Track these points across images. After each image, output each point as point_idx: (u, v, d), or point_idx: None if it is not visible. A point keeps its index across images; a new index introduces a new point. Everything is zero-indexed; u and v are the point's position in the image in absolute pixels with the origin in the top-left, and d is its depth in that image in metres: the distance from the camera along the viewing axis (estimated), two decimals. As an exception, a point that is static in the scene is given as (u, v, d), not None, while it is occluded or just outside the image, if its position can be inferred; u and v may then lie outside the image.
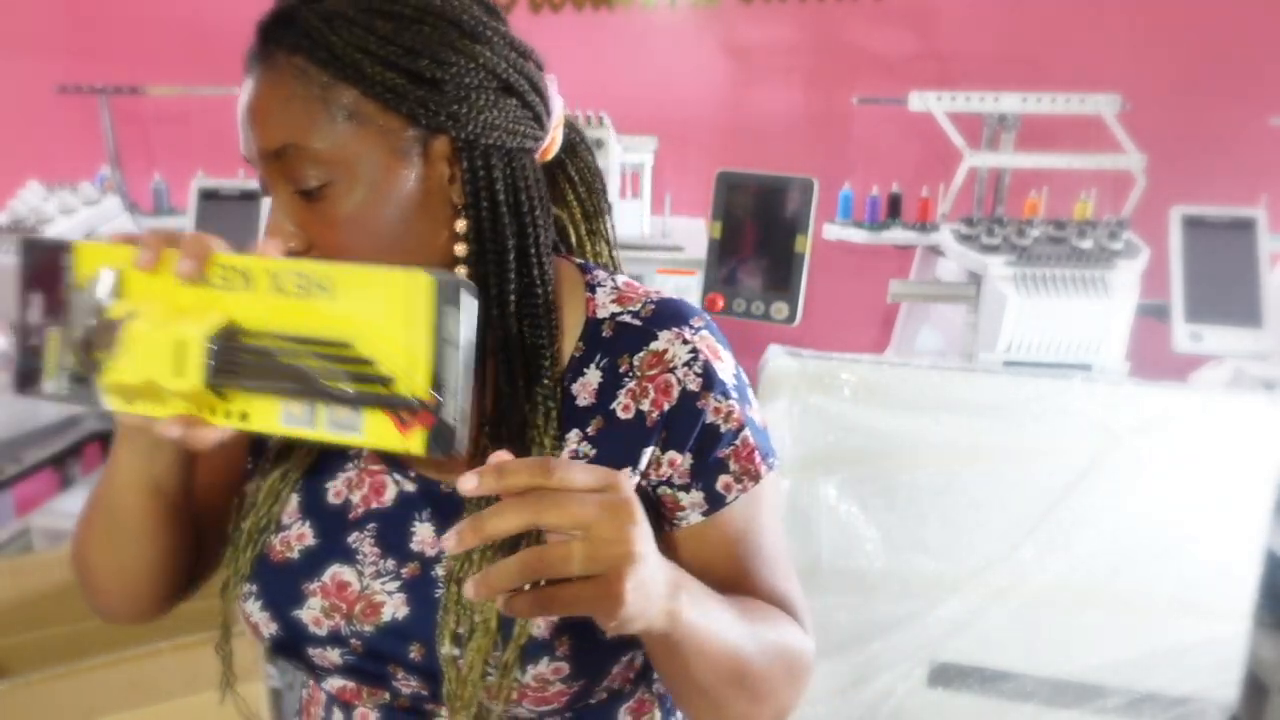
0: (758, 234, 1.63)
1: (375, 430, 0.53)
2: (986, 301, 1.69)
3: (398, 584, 0.69)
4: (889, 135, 2.38)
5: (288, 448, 0.74)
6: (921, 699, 1.54)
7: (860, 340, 2.55)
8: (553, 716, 0.71)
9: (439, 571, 0.69)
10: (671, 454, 0.68)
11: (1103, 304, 1.58)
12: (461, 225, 0.66)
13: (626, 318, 0.71)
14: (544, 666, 0.66)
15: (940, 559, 1.49)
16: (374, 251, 0.63)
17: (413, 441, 0.52)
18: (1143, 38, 2.28)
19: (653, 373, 0.69)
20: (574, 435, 0.69)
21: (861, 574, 1.51)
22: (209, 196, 1.98)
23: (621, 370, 0.69)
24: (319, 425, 0.54)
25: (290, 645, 0.72)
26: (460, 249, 0.66)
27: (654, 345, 0.69)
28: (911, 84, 1.94)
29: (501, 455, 0.52)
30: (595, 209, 0.79)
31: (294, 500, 0.74)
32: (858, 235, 2.04)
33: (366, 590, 0.70)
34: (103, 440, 2.22)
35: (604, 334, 0.71)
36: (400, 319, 0.52)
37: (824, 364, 1.47)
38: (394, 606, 0.69)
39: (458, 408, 0.52)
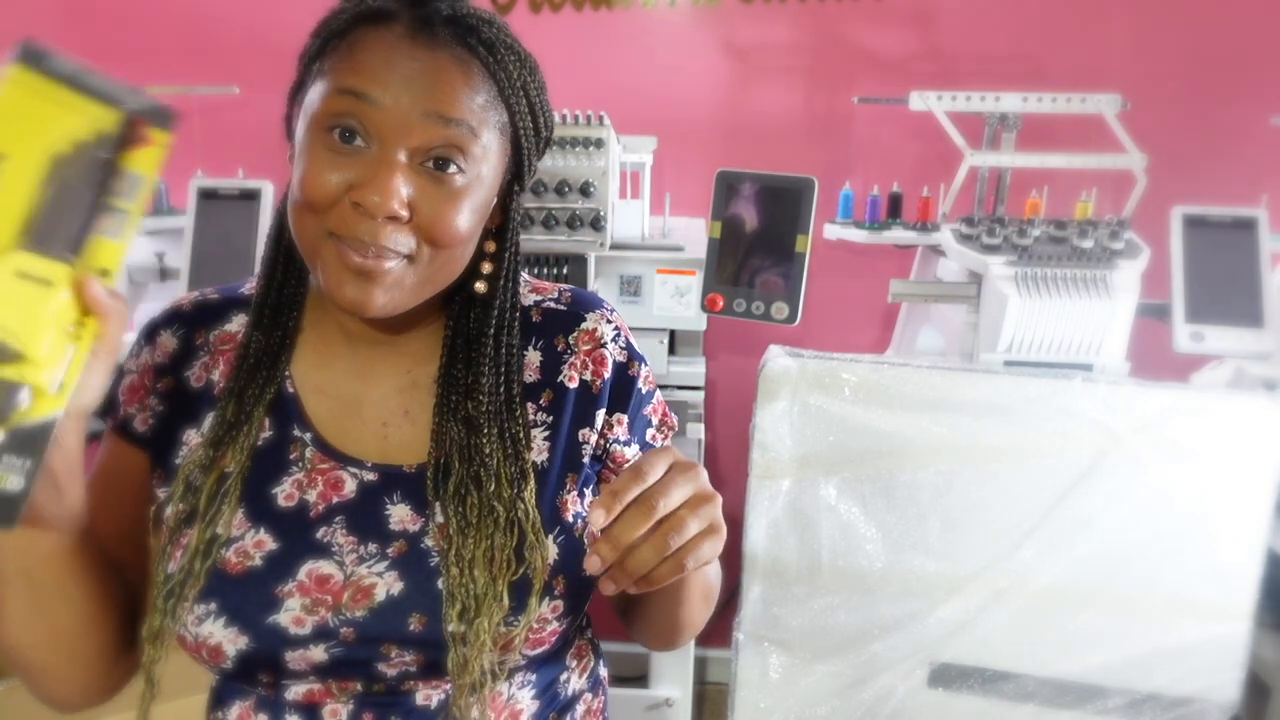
0: (758, 234, 1.63)
1: None
2: (987, 301, 1.69)
3: (385, 564, 0.71)
4: (889, 135, 2.38)
5: (220, 441, 0.74)
6: (922, 699, 1.53)
7: (860, 340, 2.54)
8: (524, 671, 0.78)
9: (429, 543, 0.73)
10: (617, 414, 0.82)
11: (1103, 304, 1.58)
12: (492, 246, 0.77)
13: (550, 304, 0.83)
14: (545, 607, 0.73)
15: (940, 559, 1.49)
16: (462, 241, 0.71)
17: None
18: (1143, 38, 2.28)
19: (588, 348, 0.81)
20: (530, 407, 0.79)
21: (861, 574, 1.51)
22: (208, 196, 1.98)
23: (559, 349, 0.81)
24: None
25: (260, 657, 0.70)
26: (487, 266, 0.77)
27: (585, 325, 0.82)
28: (912, 84, 1.93)
29: (614, 490, 0.61)
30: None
31: (239, 514, 0.73)
32: (858, 235, 2.04)
33: (353, 578, 0.71)
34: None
35: (534, 319, 0.82)
36: None
37: (824, 364, 1.47)
38: (387, 585, 0.71)
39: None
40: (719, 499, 0.64)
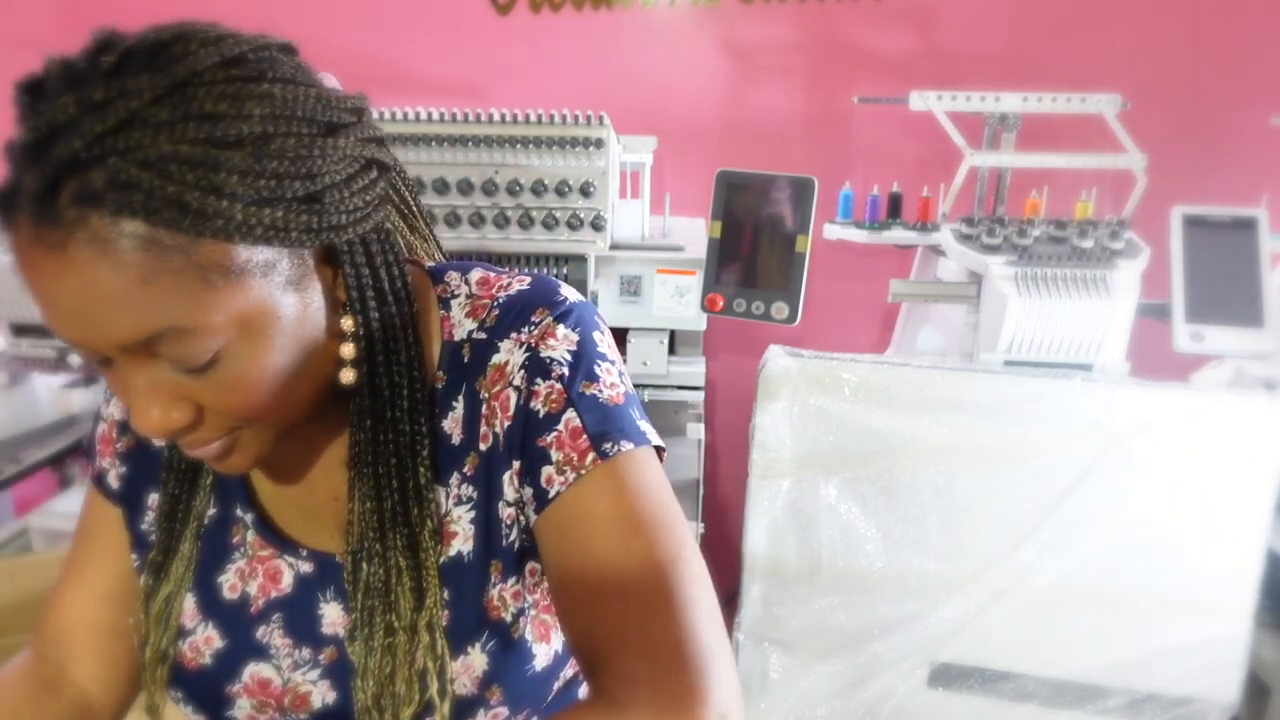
0: (758, 234, 1.63)
1: None
2: (987, 301, 1.69)
3: (318, 671, 0.67)
4: (889, 135, 2.38)
5: (158, 568, 0.70)
6: (922, 699, 1.53)
7: (860, 340, 2.54)
8: None
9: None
10: (516, 462, 0.63)
11: (1103, 304, 1.57)
12: (349, 323, 0.60)
13: (480, 334, 0.65)
14: (482, 717, 0.65)
15: (940, 559, 1.49)
16: (277, 392, 0.56)
17: None
18: (1143, 38, 2.28)
19: (496, 389, 0.63)
20: (455, 479, 0.65)
21: (861, 574, 1.51)
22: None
23: (480, 395, 0.64)
24: None
25: None
26: (348, 350, 0.60)
27: (495, 359, 0.64)
28: (912, 84, 1.93)
29: None
30: (410, 206, 0.71)
31: (190, 600, 0.70)
32: (858, 235, 2.04)
33: (290, 684, 0.68)
34: (102, 440, 2.22)
35: (464, 358, 0.65)
36: None
37: (824, 364, 1.47)
38: (321, 694, 0.67)
39: None
40: None
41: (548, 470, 0.61)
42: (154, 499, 0.72)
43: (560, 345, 0.63)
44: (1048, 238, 1.68)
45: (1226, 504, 1.42)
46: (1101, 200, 1.98)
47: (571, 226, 1.80)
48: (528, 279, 0.68)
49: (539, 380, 0.62)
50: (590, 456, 0.60)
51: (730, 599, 1.53)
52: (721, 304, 1.65)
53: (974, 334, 1.74)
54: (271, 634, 0.68)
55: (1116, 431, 1.42)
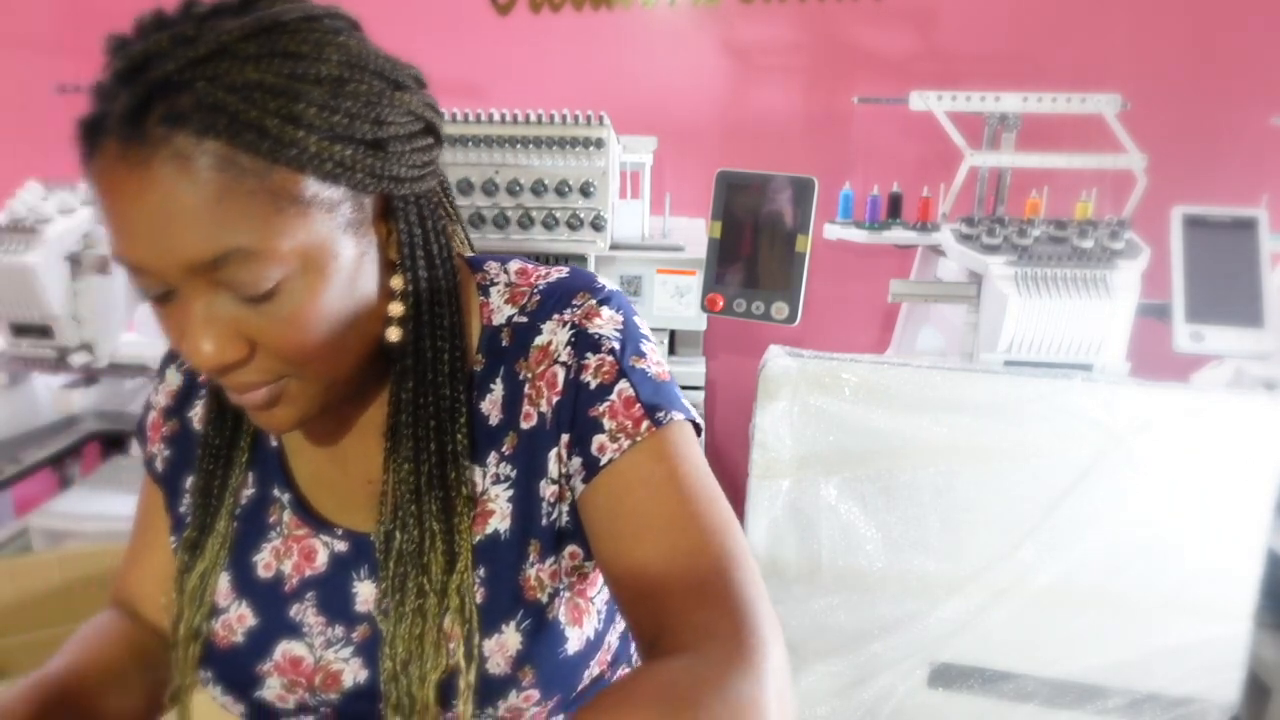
0: (757, 234, 1.63)
1: None
2: (987, 301, 1.69)
3: (350, 649, 0.67)
4: (889, 135, 2.38)
5: (194, 545, 0.71)
6: (921, 699, 1.53)
7: (860, 340, 2.55)
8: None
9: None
10: (564, 436, 0.64)
11: (1104, 304, 1.57)
12: (398, 282, 0.62)
13: (520, 318, 0.67)
14: (514, 699, 0.65)
15: (940, 559, 1.49)
16: (329, 337, 0.58)
17: None
18: (1143, 38, 2.28)
19: (541, 369, 0.65)
20: (492, 458, 0.66)
21: (861, 574, 1.51)
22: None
23: (521, 377, 0.66)
24: None
25: (264, 717, 0.71)
26: (396, 308, 0.62)
27: (538, 340, 0.66)
28: (912, 84, 1.93)
29: None
30: (448, 192, 0.72)
31: (225, 579, 0.71)
32: (858, 235, 2.04)
33: (321, 662, 0.68)
34: (102, 440, 2.22)
35: (503, 342, 0.67)
36: None
37: (824, 364, 1.47)
38: (353, 672, 0.67)
39: None
40: None
41: (600, 439, 0.62)
42: (191, 482, 0.73)
43: (607, 324, 0.65)
44: (1048, 238, 1.68)
45: (1226, 504, 1.42)
46: (1101, 200, 1.98)
47: (571, 226, 1.80)
48: (565, 269, 0.70)
49: (589, 354, 0.64)
50: (645, 424, 0.61)
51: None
52: (721, 304, 1.65)
53: (974, 334, 1.74)
54: (305, 612, 0.69)
55: (1116, 431, 1.42)
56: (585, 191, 1.78)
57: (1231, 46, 2.25)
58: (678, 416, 0.63)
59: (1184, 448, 1.41)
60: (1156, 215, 1.78)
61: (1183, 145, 2.22)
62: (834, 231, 2.09)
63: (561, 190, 1.77)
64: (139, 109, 0.50)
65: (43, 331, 1.91)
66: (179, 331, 0.56)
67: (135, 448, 1.84)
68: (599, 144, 1.77)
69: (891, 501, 1.49)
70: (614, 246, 1.87)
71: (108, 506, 1.88)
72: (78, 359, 1.93)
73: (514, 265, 0.71)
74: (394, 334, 0.63)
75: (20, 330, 1.91)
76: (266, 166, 0.52)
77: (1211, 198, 1.82)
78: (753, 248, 1.63)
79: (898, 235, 2.03)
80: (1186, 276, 1.75)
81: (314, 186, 0.54)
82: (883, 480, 1.48)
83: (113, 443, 2.20)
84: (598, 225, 1.80)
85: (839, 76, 2.40)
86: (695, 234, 2.04)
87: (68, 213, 1.90)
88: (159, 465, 0.76)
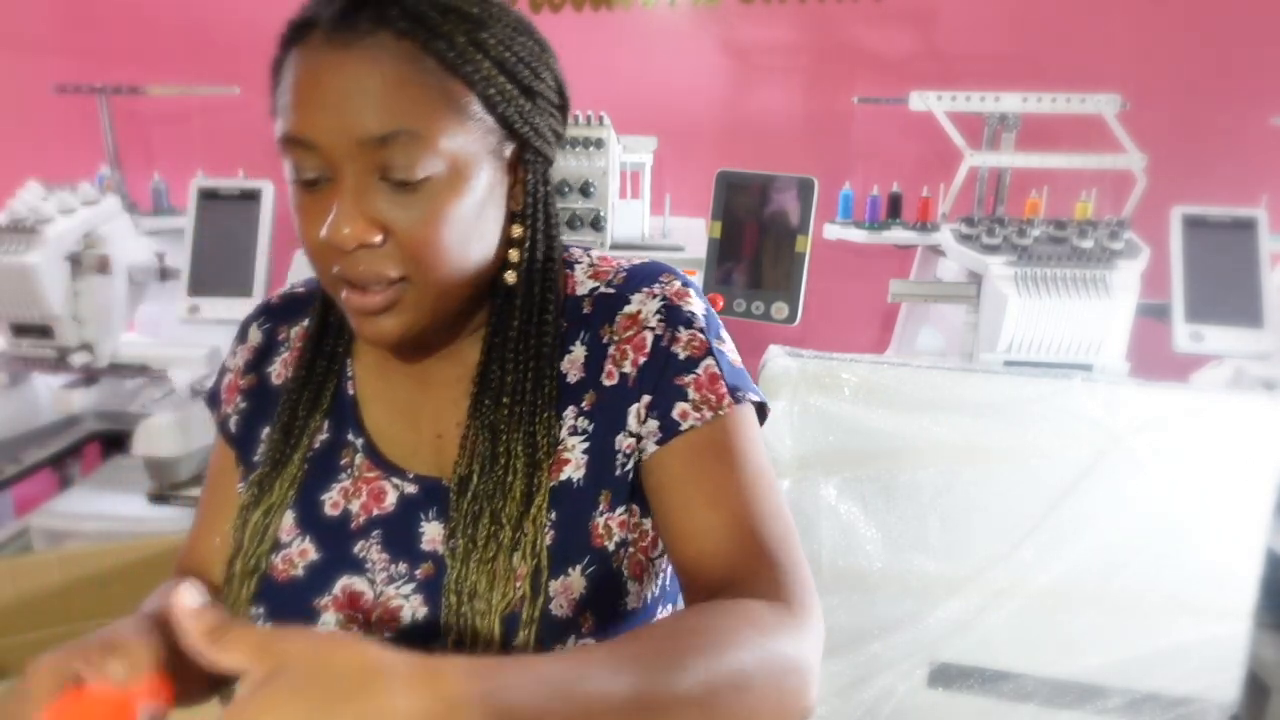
0: (758, 234, 1.63)
1: None
2: (987, 301, 1.69)
3: (412, 586, 0.69)
4: (889, 135, 2.38)
5: (265, 481, 0.73)
6: (921, 699, 1.53)
7: (860, 340, 2.55)
8: None
9: None
10: (646, 397, 0.68)
11: (1103, 304, 1.58)
12: (518, 230, 0.70)
13: (603, 289, 0.73)
14: (572, 643, 0.66)
15: (940, 559, 1.49)
16: (453, 246, 0.64)
17: None
18: (1143, 38, 2.28)
19: (629, 334, 0.70)
20: (570, 412, 0.70)
21: (861, 574, 1.51)
22: (208, 196, 1.98)
23: (604, 341, 0.71)
24: None
25: None
26: (514, 254, 0.70)
27: (627, 309, 0.71)
28: (911, 84, 1.94)
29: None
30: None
31: (289, 516, 0.73)
32: (858, 235, 2.04)
33: (381, 597, 0.69)
34: (102, 440, 2.22)
35: (584, 310, 0.73)
36: None
37: (824, 364, 1.47)
38: (412, 608, 0.68)
39: None
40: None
41: (683, 405, 0.67)
42: (267, 431, 0.76)
43: (694, 305, 0.71)
44: (1047, 238, 1.68)
45: (1226, 504, 1.42)
46: (1101, 200, 1.98)
47: (571, 226, 1.80)
48: (644, 258, 0.77)
49: (680, 328, 0.69)
50: (727, 400, 0.67)
51: (730, 599, 1.54)
52: (722, 304, 1.66)
53: (973, 334, 1.74)
54: (369, 549, 0.70)
55: (1116, 431, 1.42)
56: (585, 191, 1.78)
57: (1231, 47, 2.25)
58: (754, 398, 0.70)
59: (1184, 448, 1.41)
60: (1156, 215, 1.79)
61: (1182, 145, 2.22)
62: (834, 231, 2.09)
63: (562, 190, 1.78)
64: (351, 10, 0.60)
65: (43, 331, 1.91)
66: (321, 217, 0.62)
67: (135, 447, 1.84)
68: (599, 144, 1.77)
69: (891, 501, 1.49)
70: (614, 246, 1.87)
71: (108, 506, 1.88)
72: (78, 359, 1.93)
73: (595, 252, 0.78)
74: (510, 276, 0.70)
75: (21, 330, 1.91)
76: (445, 74, 0.61)
77: (1211, 198, 1.82)
78: (753, 248, 1.63)
79: (897, 235, 2.03)
80: (1186, 276, 1.75)
81: (476, 105, 0.63)
82: (882, 480, 1.49)
83: (113, 443, 2.20)
84: (598, 225, 1.80)
85: (839, 77, 2.40)
86: (695, 234, 2.04)
87: (68, 213, 1.90)
88: (232, 426, 0.79)
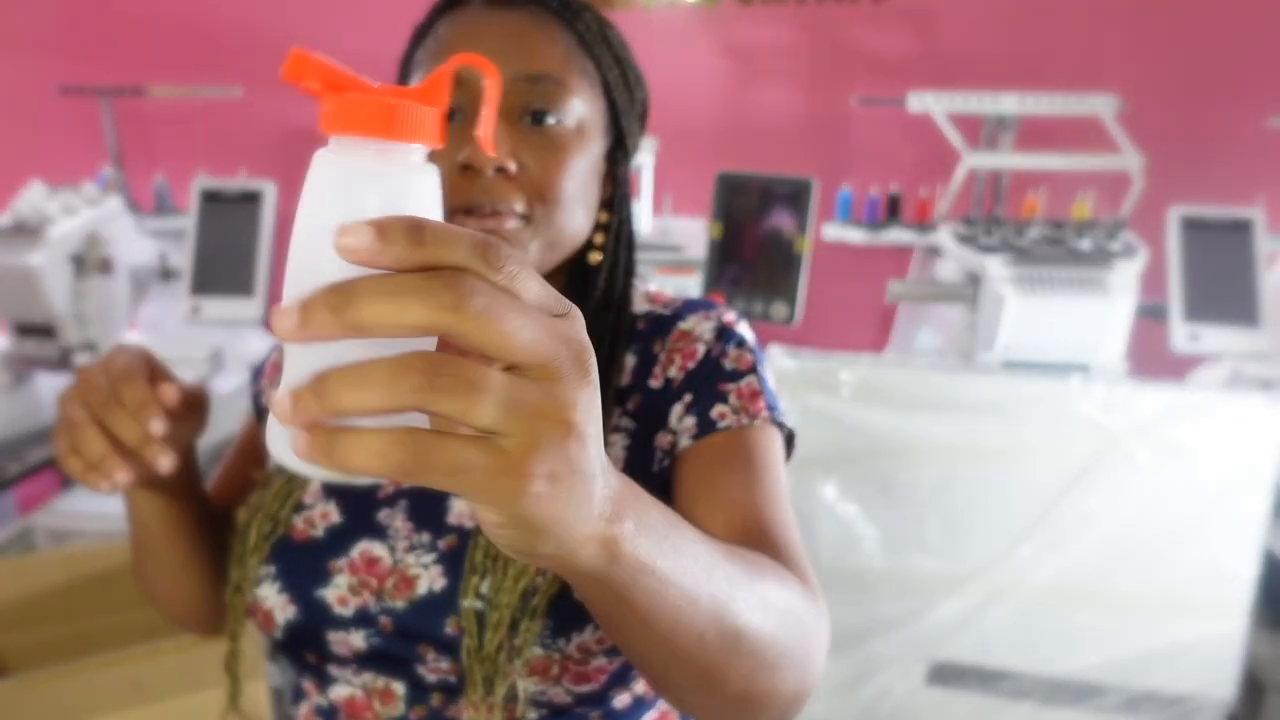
0: (757, 235, 1.64)
1: None
2: (985, 302, 1.70)
3: (433, 556, 0.69)
4: (888, 135, 2.39)
5: None
6: (921, 698, 1.54)
7: (860, 340, 2.55)
8: (582, 707, 0.69)
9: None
10: (687, 396, 0.72)
11: (1101, 304, 1.58)
12: (604, 216, 0.77)
13: (658, 310, 0.78)
14: (588, 635, 0.66)
15: (940, 559, 1.50)
16: (572, 190, 0.70)
17: None
18: (1142, 38, 2.28)
19: (681, 345, 0.75)
20: (616, 412, 0.74)
21: (861, 573, 1.52)
22: (211, 197, 1.98)
23: (654, 352, 0.75)
24: None
25: (306, 632, 0.71)
26: (599, 237, 0.77)
27: (681, 326, 0.76)
28: (911, 84, 1.94)
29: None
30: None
31: (315, 482, 0.74)
32: (857, 235, 2.05)
33: (399, 564, 0.70)
34: (104, 440, 2.23)
35: (639, 326, 0.77)
36: None
37: (824, 364, 1.48)
38: (430, 579, 0.68)
39: None
40: (574, 443, 0.34)
41: (721, 407, 0.71)
42: None
43: (746, 332, 0.76)
44: (1045, 238, 1.69)
45: (1223, 503, 1.42)
46: (1099, 201, 1.99)
47: (572, 227, 1.81)
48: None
49: (731, 345, 0.74)
50: (764, 413, 0.71)
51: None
52: (721, 304, 1.66)
53: (972, 334, 1.75)
54: (393, 517, 0.72)
55: (1114, 431, 1.42)
56: (585, 192, 1.79)
57: (1228, 48, 2.26)
58: (788, 425, 0.75)
59: (1181, 447, 1.42)
60: (1153, 216, 1.79)
61: (1180, 146, 2.23)
62: (833, 232, 2.10)
63: (562, 191, 1.78)
64: None
65: (46, 331, 1.92)
66: (457, 146, 0.68)
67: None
68: (599, 145, 1.77)
69: (890, 501, 1.49)
70: (614, 247, 1.87)
71: (111, 506, 1.88)
72: (81, 359, 1.94)
73: (652, 287, 0.83)
74: (595, 256, 0.76)
75: (24, 330, 1.92)
76: (584, 50, 0.71)
77: (1208, 198, 1.83)
78: (752, 248, 1.64)
79: (896, 236, 2.04)
80: (1183, 277, 1.76)
81: (599, 86, 0.72)
82: (881, 480, 1.49)
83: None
84: (598, 226, 1.80)
85: (838, 78, 2.40)
86: (695, 234, 2.04)
87: (71, 213, 1.91)
88: (265, 400, 0.83)
